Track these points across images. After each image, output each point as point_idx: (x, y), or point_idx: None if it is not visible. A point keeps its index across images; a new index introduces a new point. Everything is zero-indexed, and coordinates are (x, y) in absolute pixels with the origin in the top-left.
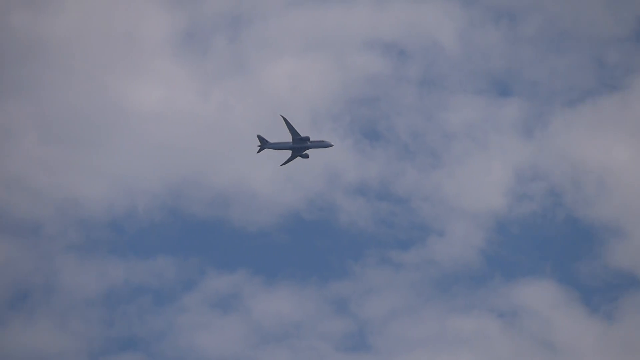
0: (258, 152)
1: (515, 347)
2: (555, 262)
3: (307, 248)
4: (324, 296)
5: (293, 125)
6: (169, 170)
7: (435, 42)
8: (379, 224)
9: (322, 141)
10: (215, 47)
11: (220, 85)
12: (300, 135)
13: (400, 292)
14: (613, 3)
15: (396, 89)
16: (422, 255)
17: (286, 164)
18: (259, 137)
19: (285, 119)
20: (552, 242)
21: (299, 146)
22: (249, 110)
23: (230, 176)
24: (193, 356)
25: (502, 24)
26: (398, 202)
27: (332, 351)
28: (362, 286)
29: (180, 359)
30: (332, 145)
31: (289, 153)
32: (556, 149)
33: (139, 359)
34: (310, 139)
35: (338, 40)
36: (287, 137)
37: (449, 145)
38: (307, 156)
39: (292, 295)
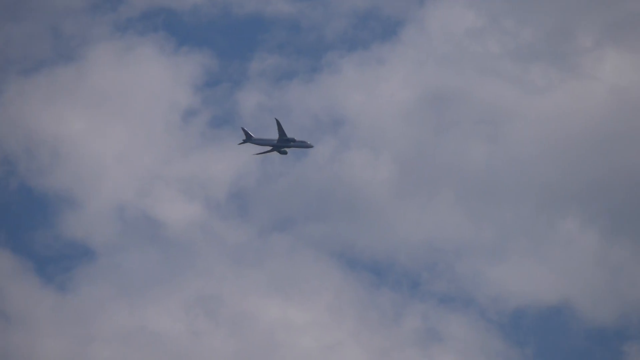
0: (240, 144)
1: None
2: (9, 232)
3: None
4: None
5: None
6: None
7: None
8: None
9: (304, 142)
10: None
11: None
12: (287, 136)
13: None
14: None
15: None
16: None
17: (260, 155)
18: (244, 130)
19: (278, 122)
20: (6, 211)
21: (282, 145)
22: None
23: None
24: None
25: None
26: None
27: None
28: None
29: None
30: (312, 147)
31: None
32: (10, 118)
33: None
34: (295, 139)
35: None
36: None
37: None
38: (285, 152)
39: None
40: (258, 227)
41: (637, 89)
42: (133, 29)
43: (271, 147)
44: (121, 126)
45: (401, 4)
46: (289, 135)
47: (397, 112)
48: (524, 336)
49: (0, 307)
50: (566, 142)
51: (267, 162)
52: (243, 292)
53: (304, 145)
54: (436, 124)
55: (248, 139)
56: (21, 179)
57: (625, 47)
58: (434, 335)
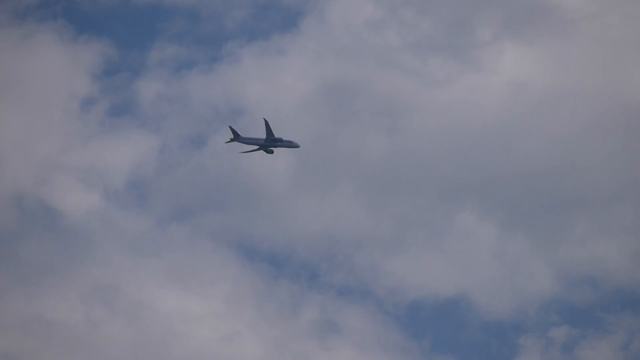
0: (227, 142)
1: None
2: None
3: None
4: None
5: (271, 128)
6: None
7: None
8: None
9: (291, 142)
10: None
11: None
12: (274, 136)
13: None
14: None
15: None
16: None
17: (247, 153)
18: (231, 128)
19: (266, 122)
20: None
21: (269, 145)
22: None
23: None
24: None
25: None
26: None
27: None
28: None
29: None
30: (299, 146)
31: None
32: None
33: None
34: (282, 139)
35: None
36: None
37: None
38: (272, 152)
39: None
40: (156, 217)
41: (535, 82)
42: (32, 17)
43: (258, 147)
44: (19, 114)
45: None
46: (277, 135)
47: (296, 103)
48: (421, 328)
49: None
50: (464, 135)
51: (165, 153)
52: (141, 282)
53: (291, 145)
54: (335, 116)
55: (236, 137)
56: None
57: (523, 40)
58: (331, 326)
